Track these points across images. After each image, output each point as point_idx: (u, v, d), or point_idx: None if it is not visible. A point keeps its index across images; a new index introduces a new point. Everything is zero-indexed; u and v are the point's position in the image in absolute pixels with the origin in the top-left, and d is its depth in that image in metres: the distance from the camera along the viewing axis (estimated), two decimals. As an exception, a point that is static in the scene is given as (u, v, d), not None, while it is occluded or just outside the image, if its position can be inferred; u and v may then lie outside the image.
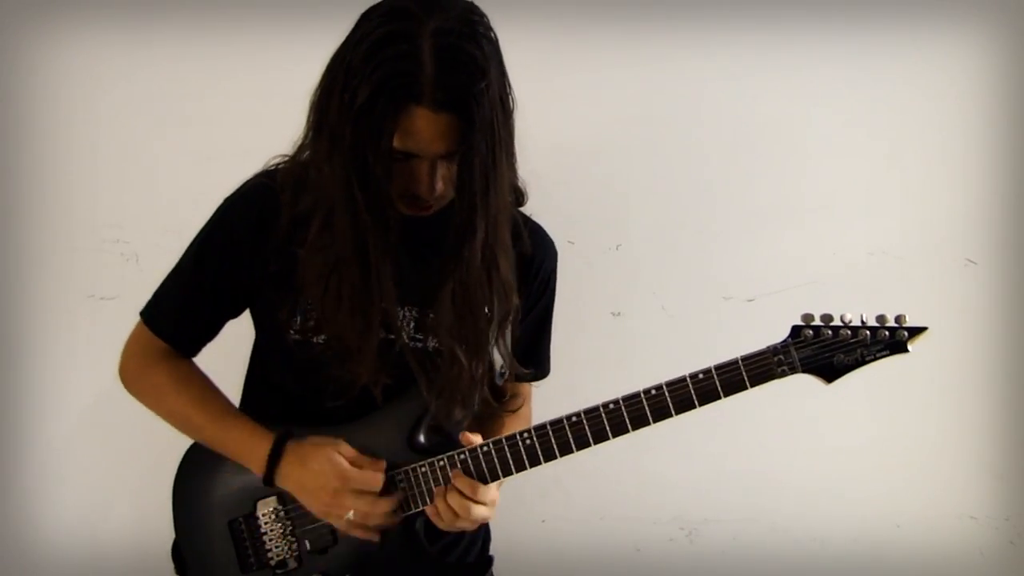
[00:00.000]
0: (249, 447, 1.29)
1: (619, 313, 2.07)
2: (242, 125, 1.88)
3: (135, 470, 2.03)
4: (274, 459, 1.27)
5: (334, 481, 1.24)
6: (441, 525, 1.28)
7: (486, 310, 1.28)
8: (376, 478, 1.26)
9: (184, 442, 1.41)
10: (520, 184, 1.35)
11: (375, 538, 1.29)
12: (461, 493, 1.25)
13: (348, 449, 1.27)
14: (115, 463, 2.06)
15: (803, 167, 2.03)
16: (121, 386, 1.40)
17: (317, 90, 1.18)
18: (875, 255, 2.03)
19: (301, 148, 1.25)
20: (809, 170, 2.03)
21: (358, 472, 1.25)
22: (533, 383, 1.52)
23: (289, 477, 1.27)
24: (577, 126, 1.99)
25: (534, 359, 1.48)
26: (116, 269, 2.00)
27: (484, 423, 1.44)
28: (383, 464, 1.27)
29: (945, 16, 1.97)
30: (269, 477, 1.27)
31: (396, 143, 1.11)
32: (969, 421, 2.07)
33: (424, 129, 1.10)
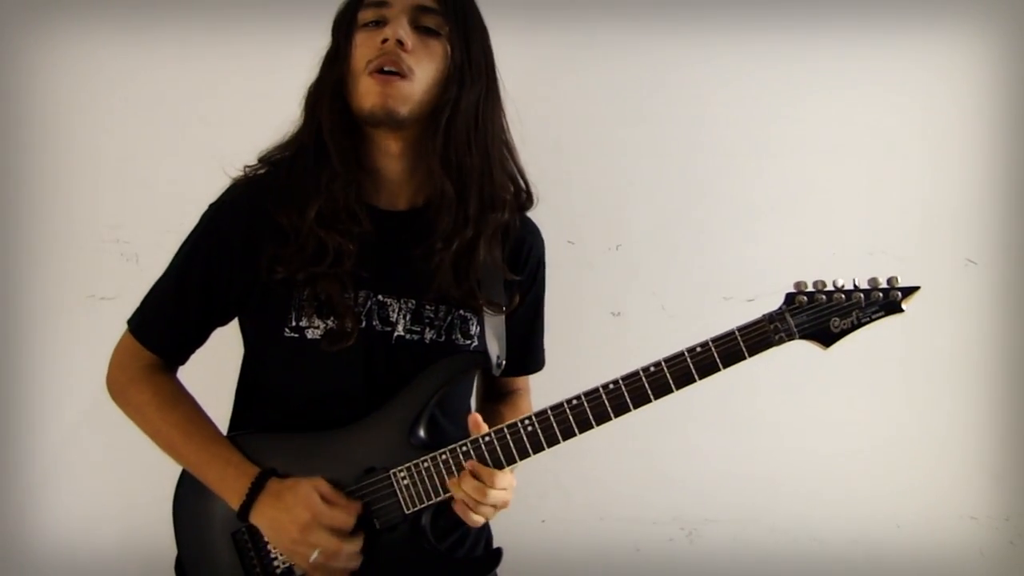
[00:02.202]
0: (231, 479, 1.28)
1: (619, 313, 2.07)
2: (242, 125, 1.87)
3: (135, 470, 2.01)
4: (253, 494, 1.26)
5: (304, 514, 1.22)
6: (468, 518, 1.26)
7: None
8: (348, 518, 1.24)
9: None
10: (526, 184, 1.36)
11: None
12: (476, 478, 1.24)
13: (325, 486, 1.25)
14: (114, 463, 2.05)
15: (803, 167, 2.03)
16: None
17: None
18: (875, 255, 2.03)
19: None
20: (809, 170, 2.03)
21: (330, 509, 1.23)
22: (529, 376, 1.53)
23: (264, 514, 1.26)
24: (577, 126, 1.99)
25: (529, 351, 1.49)
26: (116, 269, 2.00)
27: (485, 419, 1.44)
28: (358, 506, 1.26)
29: (945, 16, 1.97)
30: (245, 511, 1.26)
31: (365, 12, 1.24)
32: (969, 421, 2.07)
33: None
